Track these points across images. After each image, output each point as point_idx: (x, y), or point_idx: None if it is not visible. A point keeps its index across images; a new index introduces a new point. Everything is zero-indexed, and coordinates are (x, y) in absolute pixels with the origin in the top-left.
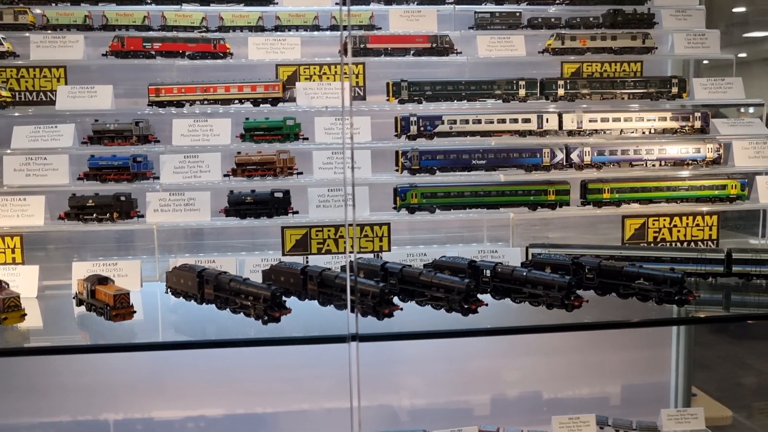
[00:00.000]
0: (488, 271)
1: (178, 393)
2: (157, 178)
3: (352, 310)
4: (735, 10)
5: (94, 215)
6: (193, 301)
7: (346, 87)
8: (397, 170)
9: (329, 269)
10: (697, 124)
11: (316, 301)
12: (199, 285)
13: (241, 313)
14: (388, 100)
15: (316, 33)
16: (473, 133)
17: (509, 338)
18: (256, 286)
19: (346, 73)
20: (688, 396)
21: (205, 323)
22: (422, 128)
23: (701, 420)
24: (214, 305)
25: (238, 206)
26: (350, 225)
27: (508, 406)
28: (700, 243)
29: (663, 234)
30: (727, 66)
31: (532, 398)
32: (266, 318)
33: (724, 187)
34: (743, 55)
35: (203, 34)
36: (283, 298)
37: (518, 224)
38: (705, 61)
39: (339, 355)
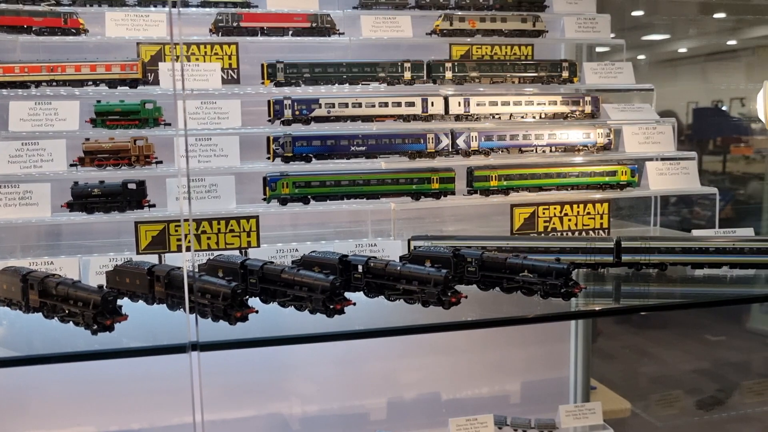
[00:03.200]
0: (361, 267)
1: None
2: None
3: (192, 313)
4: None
5: None
6: (18, 309)
7: (178, 68)
8: (268, 158)
9: (179, 268)
10: (588, 108)
11: (165, 305)
12: (23, 290)
13: (71, 322)
14: (263, 83)
15: (186, 9)
16: (353, 118)
17: (404, 340)
18: (86, 289)
19: (177, 55)
20: (587, 390)
21: (32, 335)
22: (297, 112)
23: (599, 415)
24: (41, 313)
25: (84, 199)
26: (186, 220)
27: (405, 409)
28: (591, 232)
29: (553, 223)
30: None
31: (429, 400)
32: (95, 327)
33: (614, 173)
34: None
35: (52, 7)
36: (119, 303)
37: (408, 219)
38: (597, 48)
39: (232, 361)
